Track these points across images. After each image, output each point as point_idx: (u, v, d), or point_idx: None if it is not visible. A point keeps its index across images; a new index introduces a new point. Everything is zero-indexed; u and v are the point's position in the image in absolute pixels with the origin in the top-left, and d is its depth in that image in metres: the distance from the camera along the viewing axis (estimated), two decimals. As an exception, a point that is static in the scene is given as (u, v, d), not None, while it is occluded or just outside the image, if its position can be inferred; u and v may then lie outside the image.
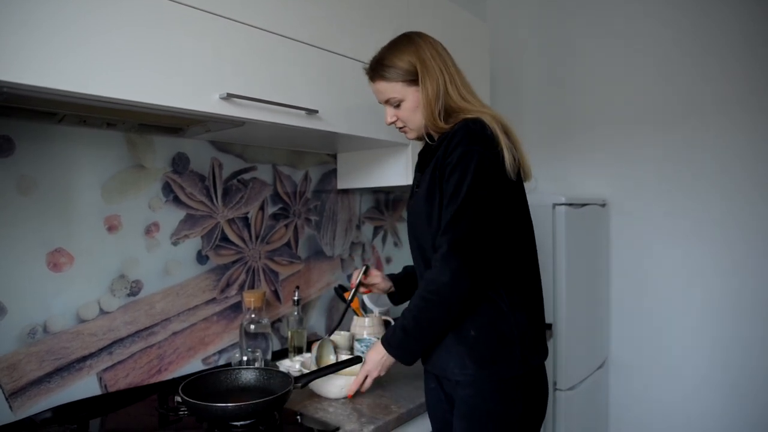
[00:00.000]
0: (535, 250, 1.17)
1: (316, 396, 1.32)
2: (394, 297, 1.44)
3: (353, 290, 1.40)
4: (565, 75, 2.62)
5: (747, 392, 2.15)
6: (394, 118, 1.18)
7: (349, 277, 1.43)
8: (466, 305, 1.05)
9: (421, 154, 1.27)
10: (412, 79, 1.12)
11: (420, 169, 1.23)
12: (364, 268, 1.41)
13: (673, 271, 2.32)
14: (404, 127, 1.19)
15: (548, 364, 2.06)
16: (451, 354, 1.09)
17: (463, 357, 1.07)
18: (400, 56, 1.12)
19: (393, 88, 1.14)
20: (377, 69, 1.15)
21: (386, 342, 1.13)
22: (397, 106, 1.16)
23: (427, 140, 1.21)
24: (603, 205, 2.44)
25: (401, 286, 1.42)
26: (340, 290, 1.63)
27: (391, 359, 1.15)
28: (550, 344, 2.06)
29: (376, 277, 1.41)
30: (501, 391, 1.06)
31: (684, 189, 2.29)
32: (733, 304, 2.18)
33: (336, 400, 1.30)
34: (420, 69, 1.11)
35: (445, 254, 1.01)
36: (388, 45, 1.17)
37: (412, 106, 1.14)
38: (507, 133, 1.09)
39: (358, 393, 1.25)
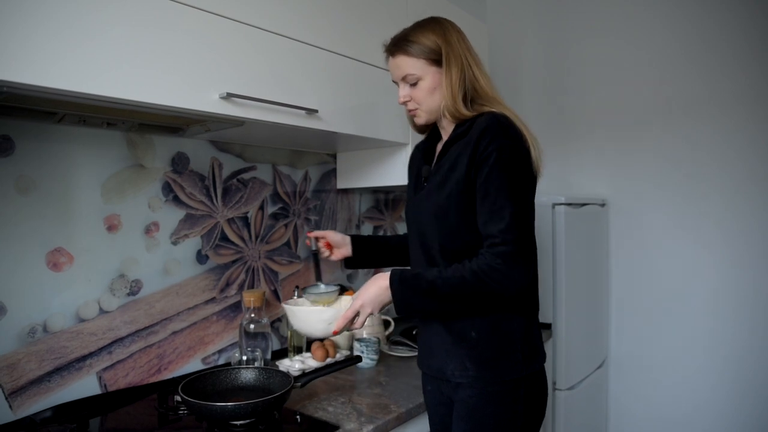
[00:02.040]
0: (536, 253, 1.15)
1: (315, 395, 1.32)
2: (350, 260, 1.34)
3: (312, 244, 1.32)
4: (565, 75, 2.62)
5: (747, 391, 2.15)
6: (407, 98, 1.14)
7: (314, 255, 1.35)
8: (506, 303, 1.05)
9: (424, 147, 1.23)
10: (435, 59, 1.09)
11: (427, 161, 1.20)
12: (313, 235, 1.32)
13: (672, 271, 2.32)
14: (416, 109, 1.14)
15: (548, 363, 2.06)
16: (451, 356, 1.08)
17: (464, 359, 1.06)
18: (426, 34, 1.10)
19: (414, 65, 1.10)
20: (400, 43, 1.11)
21: (398, 278, 1.03)
22: (414, 84, 1.11)
23: (436, 129, 1.19)
24: (602, 205, 2.44)
25: (360, 249, 1.33)
26: (340, 290, 1.64)
27: (389, 296, 1.04)
28: (549, 344, 2.07)
29: (327, 232, 1.33)
30: (502, 392, 1.05)
31: (684, 188, 2.29)
32: (733, 304, 2.19)
33: (323, 400, 1.29)
34: (445, 50, 1.08)
35: (514, 253, 0.98)
36: (413, 24, 1.14)
37: (430, 86, 1.10)
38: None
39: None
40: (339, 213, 1.97)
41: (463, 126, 1.09)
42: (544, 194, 2.14)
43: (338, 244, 1.33)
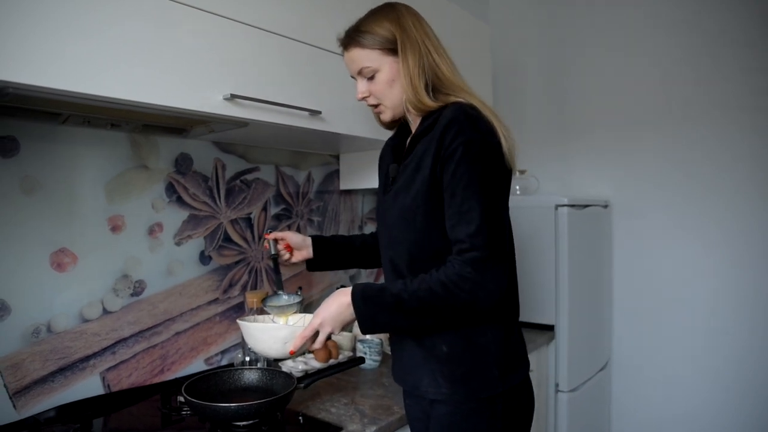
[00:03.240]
0: (514, 252, 1.06)
1: (318, 397, 1.32)
2: (312, 262, 1.26)
3: (271, 247, 1.22)
4: (567, 76, 2.62)
5: (748, 392, 2.15)
6: (366, 94, 1.06)
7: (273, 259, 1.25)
8: (481, 315, 0.96)
9: (392, 143, 1.16)
10: (391, 48, 1.01)
11: (395, 159, 1.11)
12: (270, 237, 1.24)
13: (675, 272, 2.32)
14: (379, 105, 1.06)
15: (550, 365, 2.07)
16: (424, 370, 1.00)
17: (435, 374, 0.99)
18: (380, 22, 1.02)
19: (368, 56, 1.02)
20: (352, 35, 1.03)
21: (361, 295, 0.95)
22: (371, 78, 1.04)
23: (407, 121, 1.10)
24: (605, 207, 2.44)
25: (322, 251, 1.25)
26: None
27: (351, 314, 0.96)
28: (551, 346, 2.07)
29: (286, 233, 1.25)
30: (479, 409, 0.97)
31: (686, 190, 2.29)
32: (736, 305, 2.18)
33: (326, 402, 1.29)
34: (400, 37, 1.00)
35: (485, 259, 0.90)
36: (367, 13, 1.06)
37: (387, 78, 1.02)
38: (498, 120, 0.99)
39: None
40: (342, 214, 1.97)
41: (428, 119, 1.00)
42: (547, 195, 2.14)
43: (298, 245, 1.24)
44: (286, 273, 1.73)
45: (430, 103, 1.00)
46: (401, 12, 1.04)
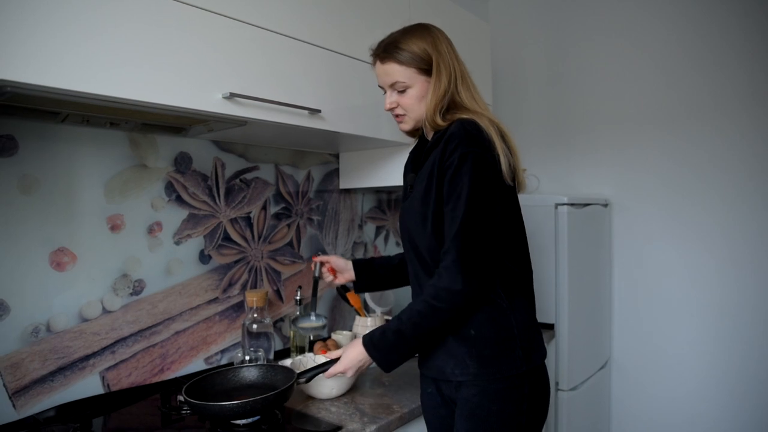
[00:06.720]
0: (528, 254, 1.16)
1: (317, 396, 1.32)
2: (357, 284, 1.40)
3: (316, 269, 1.39)
4: (567, 75, 2.61)
5: (750, 393, 2.15)
6: (395, 105, 1.14)
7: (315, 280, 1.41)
8: (471, 312, 1.05)
9: (413, 154, 1.24)
10: (425, 68, 1.09)
11: (413, 169, 1.19)
12: (318, 260, 1.41)
13: (675, 272, 2.31)
14: (403, 115, 1.15)
15: (550, 364, 2.07)
16: (451, 355, 1.07)
17: (464, 357, 1.05)
18: (417, 43, 1.09)
19: (404, 73, 1.10)
20: (390, 50, 1.11)
21: (371, 344, 1.08)
22: (402, 91, 1.12)
23: (424, 135, 1.18)
24: (605, 206, 2.44)
25: (362, 273, 1.38)
26: (342, 290, 1.63)
27: (369, 363, 1.11)
28: (552, 345, 2.06)
29: (331, 257, 1.40)
30: (505, 389, 1.04)
31: (686, 189, 2.29)
32: (735, 305, 2.18)
33: (326, 400, 1.29)
34: (435, 60, 1.09)
35: (457, 262, 0.99)
36: (402, 30, 1.14)
37: (418, 94, 1.11)
38: (504, 138, 1.06)
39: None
40: (341, 213, 1.97)
41: (439, 133, 1.09)
42: (547, 194, 2.14)
43: (341, 269, 1.39)
44: (286, 273, 1.74)
45: (440, 122, 1.09)
46: (437, 36, 1.12)
